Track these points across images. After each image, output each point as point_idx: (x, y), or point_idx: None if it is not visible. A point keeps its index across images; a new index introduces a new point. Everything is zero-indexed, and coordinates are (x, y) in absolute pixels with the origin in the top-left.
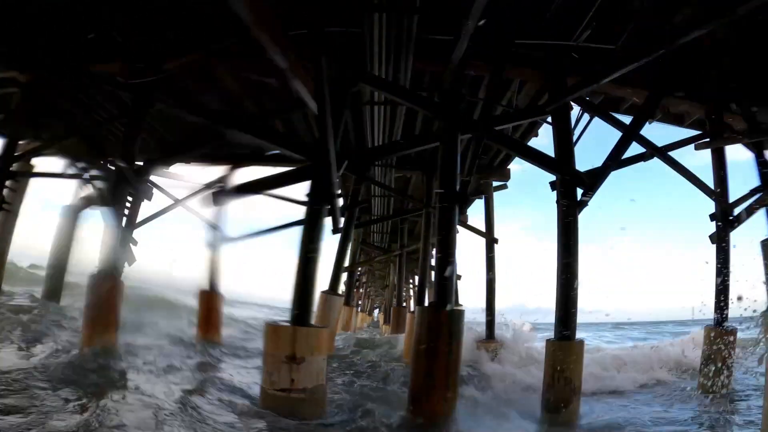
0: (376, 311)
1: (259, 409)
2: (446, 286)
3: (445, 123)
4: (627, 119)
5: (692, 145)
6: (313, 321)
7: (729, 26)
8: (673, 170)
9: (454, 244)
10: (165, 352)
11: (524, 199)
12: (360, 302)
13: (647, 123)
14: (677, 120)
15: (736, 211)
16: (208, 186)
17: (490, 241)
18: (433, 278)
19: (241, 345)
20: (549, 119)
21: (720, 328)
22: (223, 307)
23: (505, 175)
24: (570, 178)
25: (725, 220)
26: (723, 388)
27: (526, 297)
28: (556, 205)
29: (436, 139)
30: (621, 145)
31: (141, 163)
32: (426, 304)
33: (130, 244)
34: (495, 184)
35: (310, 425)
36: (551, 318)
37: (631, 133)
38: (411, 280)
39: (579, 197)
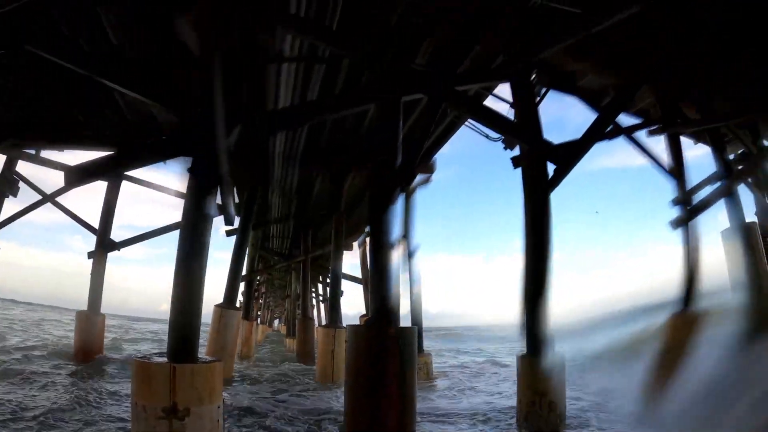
0: (276, 321)
1: None
2: (389, 295)
3: (387, 77)
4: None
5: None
6: (206, 342)
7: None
8: (637, 149)
9: (394, 242)
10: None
11: None
12: (259, 313)
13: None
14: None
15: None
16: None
17: (409, 252)
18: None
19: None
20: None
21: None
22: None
23: (430, 168)
24: (540, 150)
25: (686, 205)
26: None
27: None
28: (522, 185)
29: (370, 99)
30: (601, 123)
31: None
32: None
33: None
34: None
35: None
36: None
37: (612, 112)
38: (314, 289)
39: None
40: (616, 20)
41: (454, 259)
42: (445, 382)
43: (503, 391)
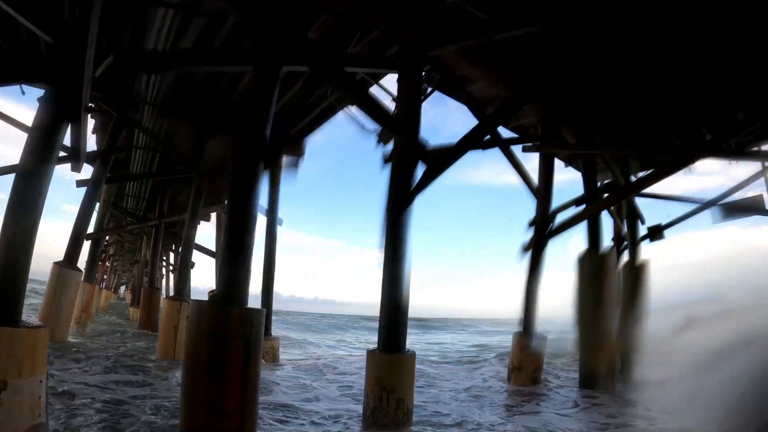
0: (123, 288)
1: None
2: (239, 274)
3: (272, 42)
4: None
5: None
6: (42, 303)
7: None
8: (509, 163)
9: (253, 218)
10: None
11: None
12: (105, 277)
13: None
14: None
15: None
16: None
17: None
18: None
19: None
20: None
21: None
22: None
23: (299, 151)
24: (413, 147)
25: (544, 226)
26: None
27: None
28: (388, 183)
29: (248, 60)
30: (479, 131)
31: None
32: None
33: None
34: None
35: None
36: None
37: (493, 122)
38: (165, 258)
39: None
40: (521, 33)
41: (312, 241)
42: (294, 371)
43: (354, 384)
